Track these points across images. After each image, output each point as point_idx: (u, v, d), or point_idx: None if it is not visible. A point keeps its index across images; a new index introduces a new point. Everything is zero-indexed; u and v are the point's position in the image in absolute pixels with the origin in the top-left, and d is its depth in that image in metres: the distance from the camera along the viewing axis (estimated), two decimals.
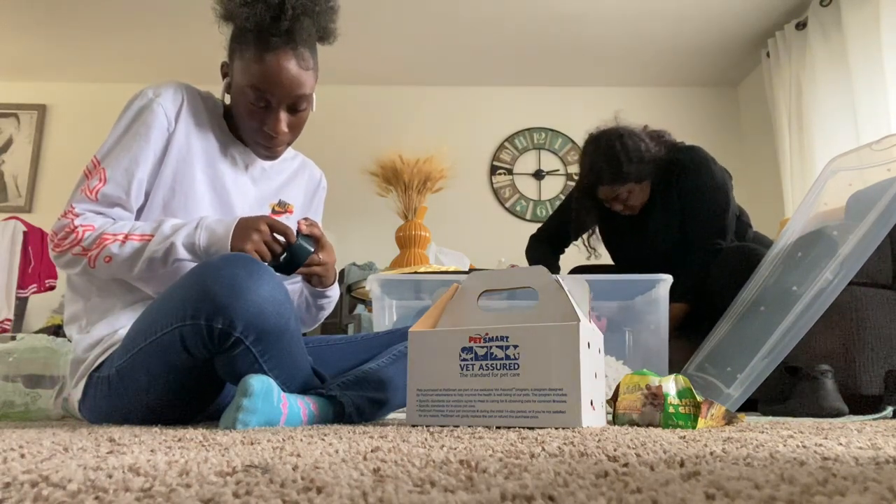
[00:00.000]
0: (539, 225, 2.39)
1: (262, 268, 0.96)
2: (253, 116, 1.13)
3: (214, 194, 1.18)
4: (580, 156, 2.16)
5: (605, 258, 2.39)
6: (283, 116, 1.14)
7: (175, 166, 1.13)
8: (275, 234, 1.09)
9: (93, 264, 1.05)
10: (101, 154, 1.11)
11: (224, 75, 1.19)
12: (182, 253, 1.04)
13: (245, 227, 1.06)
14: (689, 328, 1.99)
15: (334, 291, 1.30)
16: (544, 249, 2.35)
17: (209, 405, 1.10)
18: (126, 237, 1.05)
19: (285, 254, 1.09)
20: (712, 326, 1.79)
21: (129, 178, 1.10)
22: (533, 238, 2.40)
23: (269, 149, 1.18)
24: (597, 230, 2.33)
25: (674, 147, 2.11)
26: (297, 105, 1.14)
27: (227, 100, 1.20)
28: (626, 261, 2.25)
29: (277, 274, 1.05)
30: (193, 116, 1.16)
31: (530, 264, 2.29)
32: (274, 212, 1.29)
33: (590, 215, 2.21)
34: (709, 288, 1.91)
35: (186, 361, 0.96)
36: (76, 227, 1.06)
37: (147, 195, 1.13)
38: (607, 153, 2.00)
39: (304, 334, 1.36)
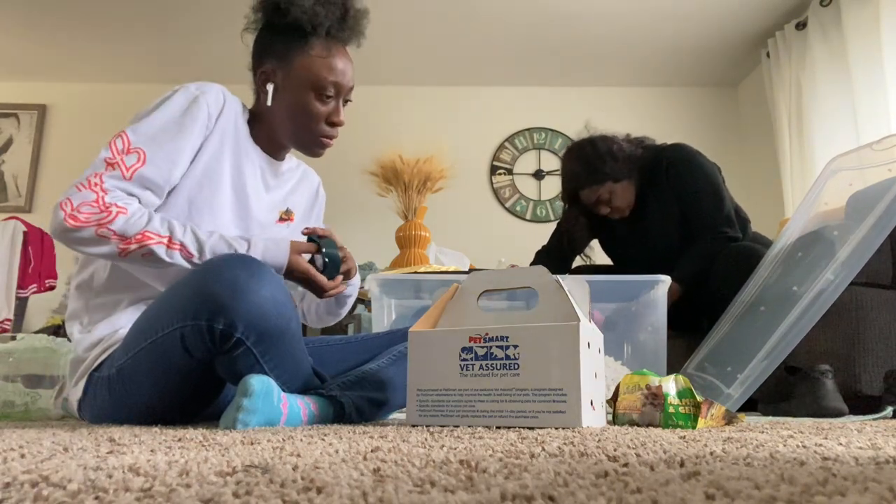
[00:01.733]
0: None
1: (264, 268, 0.96)
2: (316, 111, 1.20)
3: (235, 196, 1.19)
4: (560, 170, 2.20)
5: (600, 259, 2.39)
6: (342, 108, 1.24)
7: (207, 164, 1.14)
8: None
9: (124, 255, 1.01)
10: (137, 134, 1.07)
11: (264, 82, 1.21)
12: None
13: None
14: (689, 328, 1.99)
15: (357, 280, 1.35)
16: (544, 264, 2.34)
17: (209, 405, 1.10)
18: (170, 242, 1.03)
19: (321, 261, 1.16)
20: (712, 326, 1.79)
21: (170, 166, 1.08)
22: (537, 253, 2.40)
23: (327, 143, 1.24)
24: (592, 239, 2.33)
25: (656, 147, 2.14)
26: (348, 97, 1.24)
27: (269, 102, 1.21)
28: (629, 267, 2.25)
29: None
30: (229, 119, 1.18)
31: None
32: (280, 218, 1.31)
33: (578, 224, 2.23)
34: (709, 287, 1.91)
35: (187, 362, 0.96)
36: (108, 206, 1.00)
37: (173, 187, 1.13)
38: (580, 157, 2.09)
39: (304, 334, 1.36)
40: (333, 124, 1.22)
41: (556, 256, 2.33)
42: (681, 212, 2.06)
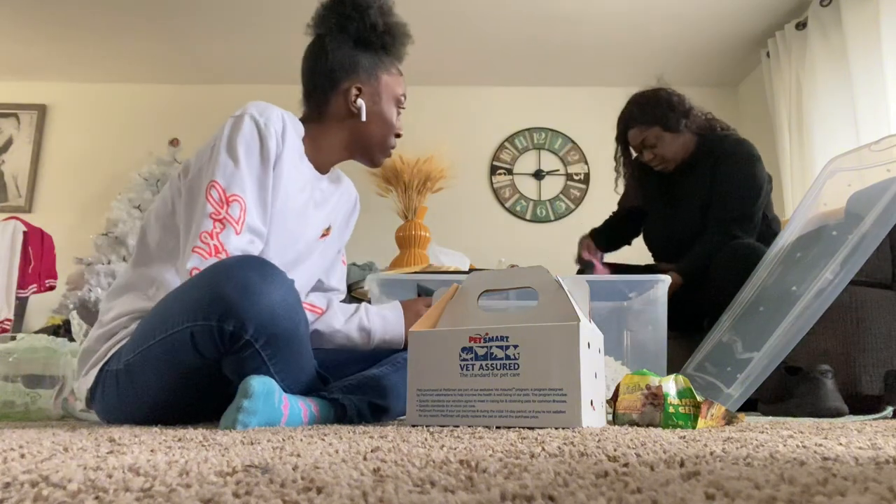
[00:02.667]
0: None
1: (276, 271, 0.96)
2: (395, 124, 1.31)
3: (291, 216, 1.19)
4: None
5: (612, 254, 2.39)
6: None
7: (273, 190, 1.14)
8: None
9: None
10: (226, 179, 1.06)
11: (356, 97, 1.25)
12: (358, 340, 1.25)
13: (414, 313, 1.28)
14: (689, 328, 1.99)
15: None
16: (596, 236, 2.36)
17: (214, 403, 1.10)
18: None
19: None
20: (712, 326, 1.79)
21: (264, 207, 1.10)
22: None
23: (391, 153, 1.35)
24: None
25: (727, 133, 2.14)
26: None
27: (364, 117, 1.26)
28: (653, 237, 2.27)
29: None
30: (288, 141, 1.17)
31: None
32: (322, 235, 1.31)
33: (631, 177, 2.23)
34: (709, 284, 1.91)
35: (195, 360, 0.96)
36: None
37: None
38: (638, 99, 2.13)
39: None
40: (398, 135, 1.33)
41: (604, 232, 2.35)
42: (709, 197, 2.06)
